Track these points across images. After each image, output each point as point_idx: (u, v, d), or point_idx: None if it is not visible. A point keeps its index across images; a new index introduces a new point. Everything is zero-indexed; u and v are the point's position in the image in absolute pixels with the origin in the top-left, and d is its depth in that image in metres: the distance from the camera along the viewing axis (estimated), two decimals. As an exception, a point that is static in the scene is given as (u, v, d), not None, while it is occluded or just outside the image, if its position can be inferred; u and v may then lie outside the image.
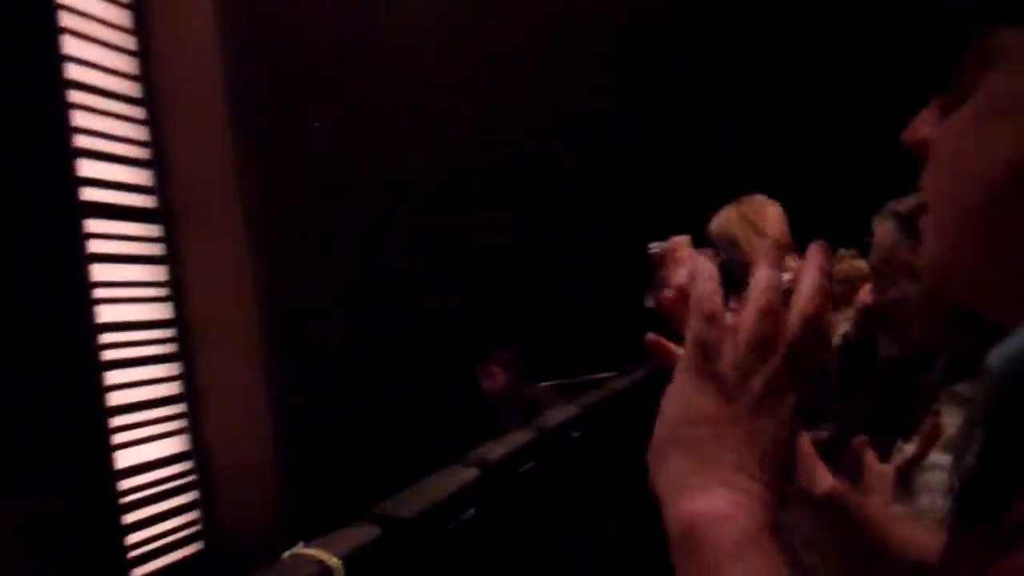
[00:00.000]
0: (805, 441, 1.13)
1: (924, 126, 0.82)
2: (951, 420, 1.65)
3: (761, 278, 0.78)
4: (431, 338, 6.19)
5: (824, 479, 1.09)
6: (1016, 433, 0.68)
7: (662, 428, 0.77)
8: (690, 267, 0.80)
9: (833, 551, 1.01)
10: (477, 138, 6.23)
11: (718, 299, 0.77)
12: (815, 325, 0.76)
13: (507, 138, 6.19)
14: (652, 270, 3.75)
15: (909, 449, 1.77)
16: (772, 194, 3.55)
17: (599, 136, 5.98)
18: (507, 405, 5.56)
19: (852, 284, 3.00)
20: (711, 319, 0.76)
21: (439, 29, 6.26)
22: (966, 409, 1.17)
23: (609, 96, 5.93)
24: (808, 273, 0.79)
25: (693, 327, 0.76)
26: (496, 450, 3.69)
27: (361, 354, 6.25)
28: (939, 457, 1.65)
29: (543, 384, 5.60)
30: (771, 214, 3.45)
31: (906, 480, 1.68)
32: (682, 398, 0.76)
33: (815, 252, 0.82)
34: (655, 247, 3.80)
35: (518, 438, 4.01)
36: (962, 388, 1.65)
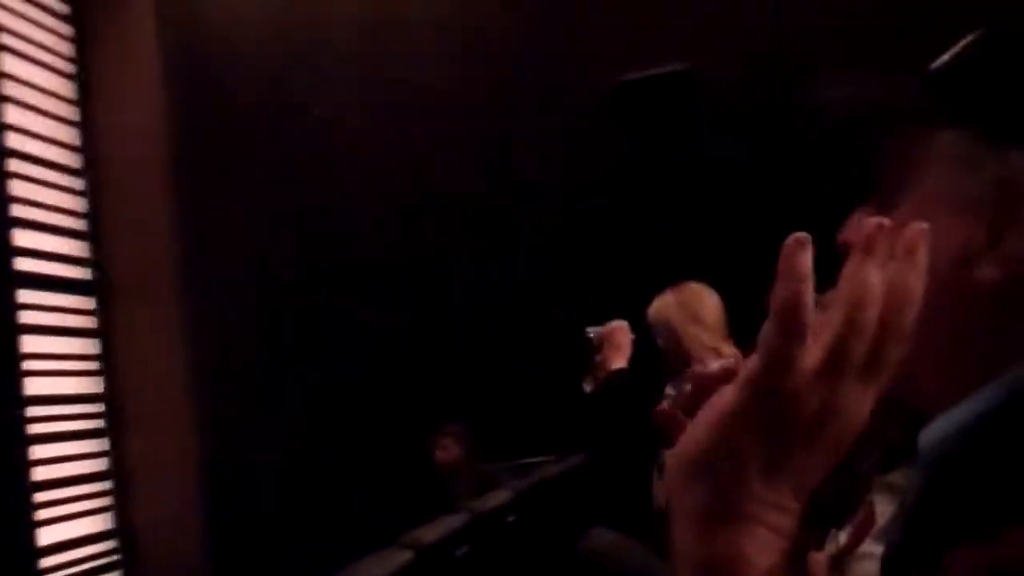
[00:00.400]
0: None
1: (861, 226, 0.85)
2: (883, 509, 1.67)
3: (856, 276, 0.65)
4: (372, 413, 6.13)
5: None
6: (943, 508, 0.70)
7: (691, 450, 0.66)
8: (783, 265, 0.63)
9: None
10: (422, 212, 6.25)
11: (808, 307, 0.63)
12: (902, 339, 0.64)
13: (443, 223, 6.22)
14: (589, 354, 3.76)
15: (843, 538, 1.78)
16: (712, 283, 3.60)
17: (541, 221, 6.03)
18: (459, 480, 5.48)
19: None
20: (794, 328, 0.63)
21: (376, 104, 6.31)
22: (898, 498, 1.18)
23: (551, 177, 6.00)
24: (906, 274, 0.65)
25: (768, 333, 0.64)
26: (431, 533, 3.65)
27: (297, 432, 6.18)
28: (872, 547, 1.66)
29: (498, 465, 5.53)
30: (709, 302, 3.51)
31: (839, 569, 1.69)
32: (726, 416, 0.64)
33: (918, 247, 0.66)
34: (592, 331, 3.82)
35: (453, 521, 3.97)
36: (894, 477, 1.67)
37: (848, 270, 0.64)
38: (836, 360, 0.63)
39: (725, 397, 0.65)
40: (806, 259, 0.63)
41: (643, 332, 3.59)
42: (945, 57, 0.81)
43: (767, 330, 0.63)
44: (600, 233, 5.89)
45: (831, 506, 1.86)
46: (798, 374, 0.63)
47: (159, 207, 5.83)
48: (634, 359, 3.51)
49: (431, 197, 6.22)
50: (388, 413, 6.08)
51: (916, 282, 0.65)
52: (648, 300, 3.59)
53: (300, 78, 6.41)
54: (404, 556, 3.32)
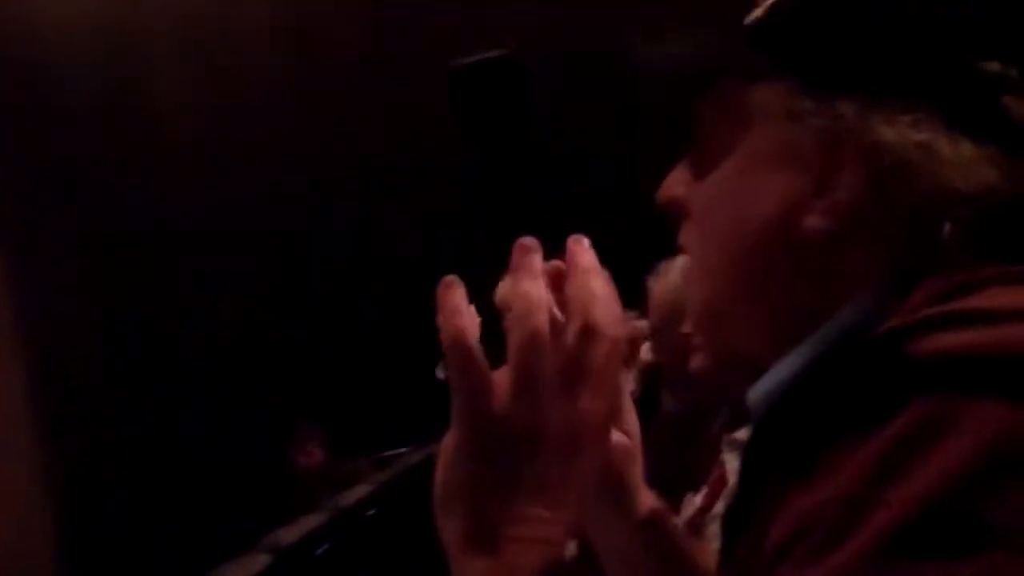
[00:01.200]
0: (627, 460, 0.99)
1: (678, 185, 0.85)
2: (733, 467, 1.70)
3: (516, 298, 0.69)
4: (224, 418, 5.99)
5: (645, 500, 0.99)
6: (766, 461, 0.72)
7: (436, 488, 0.70)
8: (439, 310, 0.68)
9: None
10: (264, 215, 6.12)
11: (471, 338, 0.69)
12: (599, 336, 0.68)
13: (284, 225, 6.12)
14: (440, 341, 3.75)
15: (698, 501, 1.82)
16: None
17: (383, 211, 5.98)
18: (323, 483, 5.38)
19: (634, 344, 3.09)
20: (467, 362, 0.69)
21: (211, 100, 6.15)
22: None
23: (391, 169, 5.95)
24: (577, 279, 0.70)
25: (450, 372, 0.69)
26: (289, 534, 3.59)
27: (151, 441, 6.01)
28: (724, 506, 1.69)
29: (360, 460, 5.45)
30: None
31: (696, 531, 1.72)
32: (450, 453, 0.69)
33: (579, 252, 0.72)
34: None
35: (313, 520, 3.91)
36: (741, 434, 1.71)
37: (504, 290, 0.71)
38: (525, 378, 0.67)
39: (449, 436, 0.69)
40: (455, 296, 0.70)
41: (492, 315, 3.60)
42: (759, 11, 0.81)
43: (450, 370, 0.68)
44: (446, 219, 5.87)
45: (684, 470, 1.90)
46: (496, 399, 0.67)
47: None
48: (485, 343, 3.52)
49: (269, 193, 6.10)
50: (243, 417, 5.95)
51: (595, 281, 0.70)
52: (495, 283, 3.60)
53: (131, 81, 6.19)
54: (263, 560, 3.26)
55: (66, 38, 6.20)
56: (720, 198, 0.79)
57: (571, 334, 0.68)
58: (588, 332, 0.68)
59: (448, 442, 0.70)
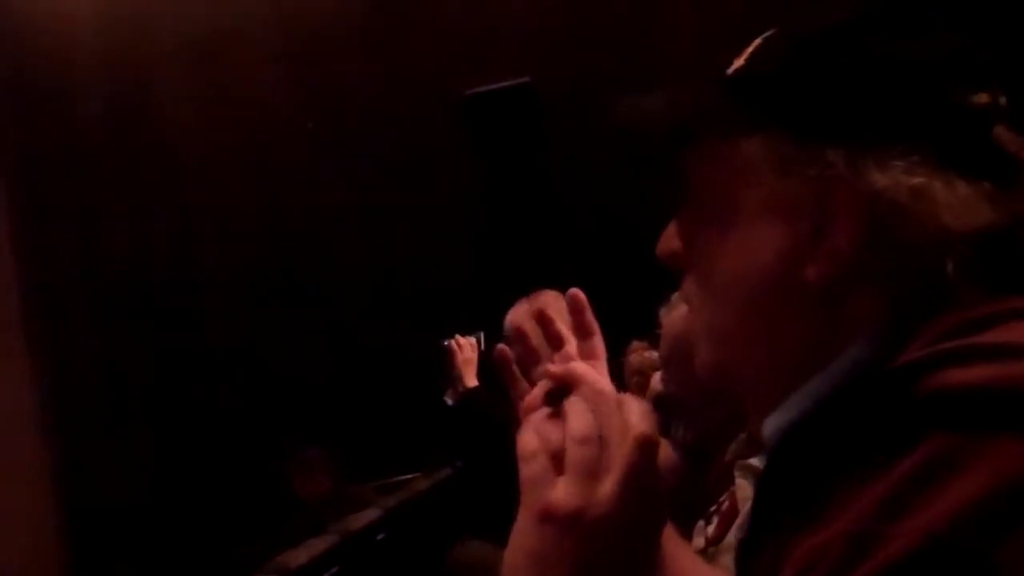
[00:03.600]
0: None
1: (675, 239, 0.85)
2: (745, 493, 1.69)
3: (575, 406, 0.75)
4: (230, 443, 5.98)
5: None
6: (778, 497, 0.72)
7: (507, 563, 0.75)
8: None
9: None
10: (268, 230, 6.12)
11: (534, 439, 0.75)
12: (651, 447, 0.72)
13: (298, 239, 6.12)
14: (447, 365, 3.75)
15: (709, 530, 1.80)
16: (564, 290, 3.63)
17: (392, 235, 5.98)
18: (329, 508, 5.35)
19: (645, 374, 3.09)
20: (531, 457, 0.74)
21: (217, 125, 6.17)
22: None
23: (399, 193, 5.95)
24: (633, 398, 0.75)
25: (520, 468, 0.74)
26: (297, 558, 3.59)
27: (156, 467, 6.00)
28: (736, 536, 1.68)
29: (365, 485, 5.43)
30: (562, 310, 3.55)
31: (708, 562, 1.71)
32: (519, 534, 0.74)
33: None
34: (447, 343, 3.79)
35: (320, 543, 3.91)
36: (756, 460, 1.69)
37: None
38: (579, 472, 0.72)
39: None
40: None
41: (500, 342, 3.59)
42: (740, 61, 0.81)
43: (519, 465, 0.74)
44: (455, 244, 5.88)
45: (696, 499, 1.89)
46: (556, 487, 0.72)
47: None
48: (491, 370, 3.51)
49: (276, 215, 6.12)
50: (249, 442, 5.94)
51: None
52: (505, 310, 3.60)
53: (138, 100, 6.23)
54: (272, 583, 3.26)
55: (74, 57, 6.26)
56: (718, 253, 0.80)
57: (630, 445, 0.72)
58: (645, 443, 0.72)
59: (517, 520, 0.74)
